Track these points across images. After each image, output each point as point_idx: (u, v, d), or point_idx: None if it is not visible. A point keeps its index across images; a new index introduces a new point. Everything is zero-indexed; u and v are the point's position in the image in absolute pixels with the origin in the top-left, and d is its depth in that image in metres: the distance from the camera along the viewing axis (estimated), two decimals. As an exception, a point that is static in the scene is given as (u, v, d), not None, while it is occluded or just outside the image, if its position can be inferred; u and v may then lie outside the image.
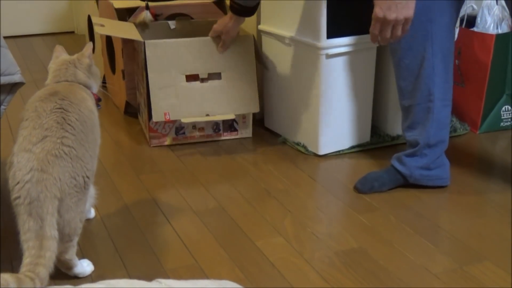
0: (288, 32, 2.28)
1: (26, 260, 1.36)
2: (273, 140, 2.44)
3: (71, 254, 1.54)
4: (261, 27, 2.43)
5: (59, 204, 1.42)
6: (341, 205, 1.95)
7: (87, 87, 1.72)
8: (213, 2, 2.76)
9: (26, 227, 1.39)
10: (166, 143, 2.39)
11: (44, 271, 1.35)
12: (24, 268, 1.35)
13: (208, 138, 2.43)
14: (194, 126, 2.39)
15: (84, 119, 1.56)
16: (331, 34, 2.15)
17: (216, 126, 2.42)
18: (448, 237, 1.77)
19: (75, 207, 1.47)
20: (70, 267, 1.56)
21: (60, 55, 1.79)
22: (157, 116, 2.20)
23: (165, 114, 2.20)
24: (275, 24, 2.36)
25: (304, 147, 2.33)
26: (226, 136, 2.45)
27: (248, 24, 2.58)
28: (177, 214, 1.89)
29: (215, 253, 1.68)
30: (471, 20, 2.57)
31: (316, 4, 2.12)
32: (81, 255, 1.65)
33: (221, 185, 2.08)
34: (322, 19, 2.12)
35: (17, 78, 2.09)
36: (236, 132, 2.46)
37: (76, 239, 1.53)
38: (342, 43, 2.19)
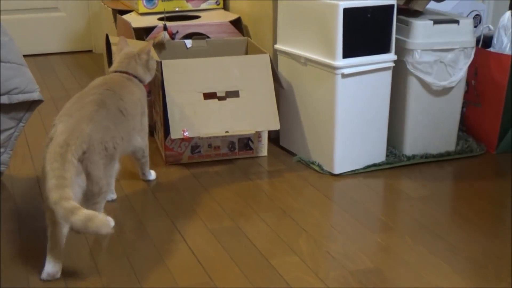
0: (304, 51, 2.30)
1: (52, 181, 1.52)
2: (288, 159, 2.45)
3: None
4: (277, 46, 2.44)
5: (85, 156, 1.63)
6: (356, 225, 1.94)
7: (142, 80, 2.06)
8: (230, 22, 2.78)
9: (51, 153, 1.58)
10: (182, 161, 2.40)
11: (69, 192, 1.52)
12: (54, 194, 1.50)
13: (224, 156, 2.43)
14: (209, 145, 2.40)
15: (124, 107, 1.87)
16: (347, 54, 2.16)
17: (232, 145, 2.43)
18: (465, 258, 1.76)
19: (103, 168, 1.70)
20: None
21: (123, 47, 2.12)
22: (175, 134, 2.21)
23: (183, 131, 2.21)
24: (291, 43, 2.37)
25: (319, 166, 2.33)
26: (242, 154, 2.45)
27: (265, 43, 2.60)
28: (192, 232, 1.89)
29: (230, 272, 1.68)
30: (487, 41, 2.57)
31: (332, 24, 2.13)
32: (96, 270, 1.66)
33: (236, 203, 2.08)
34: (338, 38, 2.13)
35: (35, 95, 2.12)
36: (251, 151, 2.46)
37: (102, 203, 1.77)
38: (358, 63, 2.19)
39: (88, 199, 1.68)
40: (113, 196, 2.08)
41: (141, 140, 2.06)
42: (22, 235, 1.86)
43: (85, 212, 1.48)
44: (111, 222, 1.84)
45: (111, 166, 1.78)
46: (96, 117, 1.73)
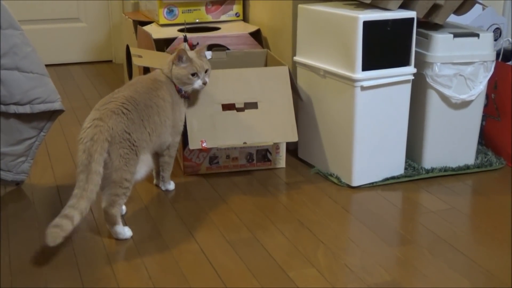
0: (323, 64, 2.30)
1: (75, 191, 1.73)
2: (306, 171, 2.45)
3: (116, 210, 1.86)
4: (296, 58, 2.45)
5: (109, 147, 1.78)
6: (374, 238, 1.94)
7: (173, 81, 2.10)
8: (249, 34, 2.80)
9: (79, 160, 1.77)
10: (200, 172, 2.41)
11: (84, 203, 1.71)
12: (70, 202, 1.72)
13: (242, 168, 2.44)
14: (228, 156, 2.41)
15: (150, 104, 1.96)
16: (366, 67, 2.16)
17: (250, 156, 2.43)
18: (484, 273, 1.75)
19: (123, 160, 1.82)
20: (113, 222, 1.87)
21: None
22: (193, 144, 2.22)
23: (201, 142, 2.22)
24: (310, 55, 2.38)
25: (338, 178, 2.33)
26: (260, 166, 2.46)
27: (284, 55, 2.61)
28: (210, 243, 1.89)
29: (248, 283, 1.69)
30: (507, 54, 2.56)
31: (352, 37, 2.14)
32: (115, 279, 1.66)
33: (254, 214, 2.09)
34: (358, 51, 2.13)
35: (57, 105, 2.14)
36: (269, 163, 2.47)
37: (122, 198, 1.86)
38: (377, 76, 2.19)
39: (109, 187, 1.82)
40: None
41: (170, 137, 2.11)
42: (42, 244, 1.87)
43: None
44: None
45: (134, 161, 1.86)
46: (121, 110, 1.84)
